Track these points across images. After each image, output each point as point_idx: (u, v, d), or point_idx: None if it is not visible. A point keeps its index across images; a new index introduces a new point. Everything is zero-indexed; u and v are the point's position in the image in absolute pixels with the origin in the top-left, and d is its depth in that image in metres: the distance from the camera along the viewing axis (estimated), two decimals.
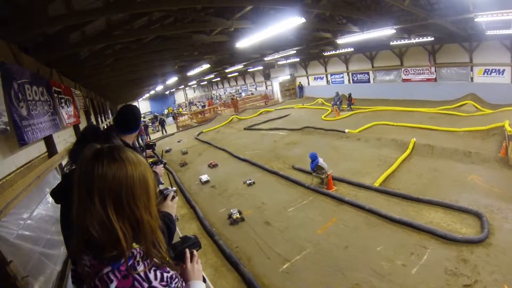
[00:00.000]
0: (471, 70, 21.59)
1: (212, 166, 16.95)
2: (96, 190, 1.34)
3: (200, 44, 13.66)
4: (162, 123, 34.41)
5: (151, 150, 5.76)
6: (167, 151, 23.11)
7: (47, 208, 5.95)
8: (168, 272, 1.51)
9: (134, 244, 1.43)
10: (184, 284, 1.65)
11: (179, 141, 26.86)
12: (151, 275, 1.40)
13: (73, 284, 1.60)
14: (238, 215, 10.24)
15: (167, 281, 1.45)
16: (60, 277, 5.41)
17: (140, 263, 1.40)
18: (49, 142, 7.14)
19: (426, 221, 8.57)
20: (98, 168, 1.36)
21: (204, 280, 1.86)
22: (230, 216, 10.29)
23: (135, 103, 52.84)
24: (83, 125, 11.46)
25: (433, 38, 18.58)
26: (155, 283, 1.39)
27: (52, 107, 7.32)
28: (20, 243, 4.52)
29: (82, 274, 1.39)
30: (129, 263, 1.37)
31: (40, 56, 7.51)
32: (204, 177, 14.75)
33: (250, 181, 13.56)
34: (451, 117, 18.84)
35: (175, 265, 1.70)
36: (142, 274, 1.38)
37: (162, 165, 4.15)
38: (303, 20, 8.64)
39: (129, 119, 3.41)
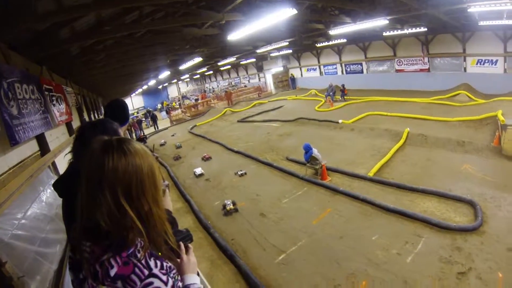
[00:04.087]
0: (464, 60, 21.66)
1: (206, 159, 17.00)
2: (106, 183, 1.35)
3: (191, 37, 13.58)
4: (154, 119, 34.17)
5: (142, 143, 5.74)
6: (162, 145, 23.34)
7: (41, 207, 5.91)
8: (167, 262, 1.51)
9: None
10: (179, 277, 1.64)
11: (173, 135, 26.93)
12: (152, 263, 1.41)
13: (69, 270, 1.60)
14: (231, 206, 10.35)
15: (166, 270, 1.46)
16: (57, 276, 5.39)
17: (141, 251, 1.40)
18: (41, 140, 7.09)
19: (420, 210, 8.62)
20: (109, 161, 1.37)
21: (198, 274, 1.85)
22: (224, 207, 10.41)
23: (128, 99, 52.95)
24: (75, 122, 11.40)
25: (426, 29, 18.60)
26: (155, 271, 1.40)
27: (43, 105, 7.27)
28: (15, 243, 4.49)
29: (81, 259, 1.40)
30: (130, 251, 1.38)
31: (29, 54, 7.41)
32: (198, 170, 14.80)
33: (241, 172, 13.64)
34: (444, 107, 18.85)
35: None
36: (143, 261, 1.39)
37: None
38: (294, 11, 8.60)
39: (116, 113, 3.38)
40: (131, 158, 1.41)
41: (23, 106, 5.77)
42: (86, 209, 1.37)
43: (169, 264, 1.52)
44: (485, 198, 8.70)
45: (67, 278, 5.40)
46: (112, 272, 1.32)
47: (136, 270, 1.35)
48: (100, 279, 1.33)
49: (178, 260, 1.75)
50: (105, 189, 1.34)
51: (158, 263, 1.44)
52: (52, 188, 2.66)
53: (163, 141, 24.44)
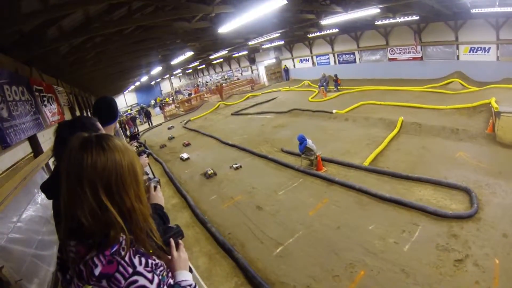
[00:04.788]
0: (457, 48, 21.69)
1: (186, 145, 18.50)
2: (86, 180, 1.34)
3: (182, 31, 13.45)
4: (148, 115, 33.99)
5: (135, 140, 5.70)
6: (169, 128, 26.57)
7: (36, 209, 5.87)
8: (154, 260, 1.50)
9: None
10: (170, 274, 1.62)
11: (181, 122, 28.52)
12: (136, 261, 1.40)
13: (58, 271, 1.58)
14: (211, 171, 13.16)
15: (152, 267, 1.45)
16: (55, 278, 5.36)
17: (126, 249, 1.39)
18: (33, 142, 7.00)
19: (416, 198, 8.66)
20: (88, 157, 1.36)
21: (191, 270, 1.83)
22: (205, 173, 13.06)
23: (121, 96, 52.65)
24: None
25: (418, 17, 18.56)
26: (139, 268, 1.39)
27: (34, 106, 7.17)
28: (12, 247, 4.46)
29: (67, 259, 1.40)
30: (114, 249, 1.37)
31: (18, 55, 7.26)
32: (185, 155, 16.03)
33: (237, 165, 13.68)
34: (438, 95, 18.93)
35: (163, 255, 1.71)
36: (126, 259, 1.37)
37: (145, 156, 4.13)
38: (285, 1, 8.53)
39: (104, 111, 3.36)
40: (110, 154, 1.41)
41: (13, 108, 5.68)
42: (68, 208, 1.36)
43: (156, 261, 1.51)
44: (480, 185, 8.76)
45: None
46: (97, 271, 1.31)
47: (120, 268, 1.34)
48: (85, 279, 1.32)
49: (169, 256, 1.74)
50: (85, 186, 1.34)
51: (143, 260, 1.43)
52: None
53: (171, 125, 26.87)
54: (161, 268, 1.53)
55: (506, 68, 18.58)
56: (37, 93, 7.72)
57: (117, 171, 1.40)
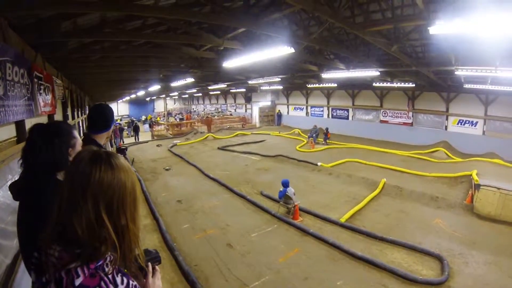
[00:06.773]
0: (446, 119, 22.93)
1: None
2: (90, 193, 1.37)
3: (188, 57, 13.68)
4: (136, 130, 33.74)
5: (122, 155, 5.60)
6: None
7: (6, 195, 5.67)
8: (133, 281, 1.49)
9: None
10: None
11: (175, 141, 28.23)
12: (118, 279, 1.40)
13: (32, 271, 1.53)
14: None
15: None
16: (9, 271, 5.11)
17: (109, 265, 1.39)
18: (20, 127, 6.90)
19: (388, 260, 8.63)
20: (96, 172, 1.40)
21: None
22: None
23: (114, 104, 52.56)
24: (58, 115, 11.20)
25: (414, 85, 19.35)
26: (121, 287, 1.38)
27: (30, 91, 7.09)
28: None
29: (46, 263, 1.38)
30: (99, 264, 1.37)
31: (27, 37, 7.31)
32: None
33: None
34: (422, 161, 19.52)
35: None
36: (110, 276, 1.37)
37: None
38: (292, 50, 8.79)
39: (100, 119, 3.37)
40: (117, 173, 1.45)
41: (10, 88, 5.60)
42: (64, 214, 1.37)
43: (135, 283, 1.50)
44: (453, 254, 8.88)
45: (19, 276, 5.13)
46: (77, 282, 1.30)
47: (102, 284, 1.33)
48: (64, 287, 1.30)
49: (143, 280, 1.72)
50: (88, 198, 1.36)
51: (125, 280, 1.42)
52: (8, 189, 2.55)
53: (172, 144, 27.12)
54: None
55: (491, 143, 19.84)
56: (36, 80, 7.65)
57: (121, 190, 1.44)
